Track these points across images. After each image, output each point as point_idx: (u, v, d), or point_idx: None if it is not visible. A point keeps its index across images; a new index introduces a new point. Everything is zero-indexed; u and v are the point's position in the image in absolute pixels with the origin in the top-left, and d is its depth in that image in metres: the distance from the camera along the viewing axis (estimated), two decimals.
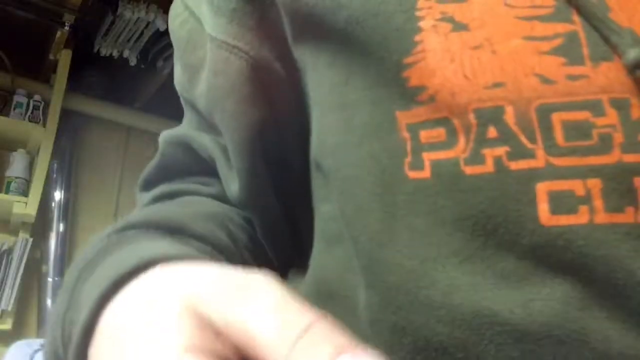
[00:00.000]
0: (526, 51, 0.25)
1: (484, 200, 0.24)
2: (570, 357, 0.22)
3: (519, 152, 0.24)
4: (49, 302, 2.03)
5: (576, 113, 0.23)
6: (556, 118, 0.24)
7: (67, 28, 2.01)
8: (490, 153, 0.24)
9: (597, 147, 0.23)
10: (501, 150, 0.24)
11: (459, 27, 0.26)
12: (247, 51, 0.35)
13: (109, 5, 1.91)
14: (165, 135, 0.44)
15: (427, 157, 0.26)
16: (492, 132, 0.24)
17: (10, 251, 1.92)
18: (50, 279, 2.05)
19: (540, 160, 0.23)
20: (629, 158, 0.23)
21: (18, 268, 1.89)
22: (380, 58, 0.28)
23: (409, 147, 0.27)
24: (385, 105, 0.28)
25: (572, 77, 0.24)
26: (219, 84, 0.36)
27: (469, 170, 0.25)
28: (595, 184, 0.23)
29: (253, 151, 0.36)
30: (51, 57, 2.15)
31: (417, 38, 0.27)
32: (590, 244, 0.23)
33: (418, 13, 0.27)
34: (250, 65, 0.35)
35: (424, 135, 0.26)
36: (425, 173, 0.26)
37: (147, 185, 0.44)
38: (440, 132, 0.26)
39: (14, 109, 2.07)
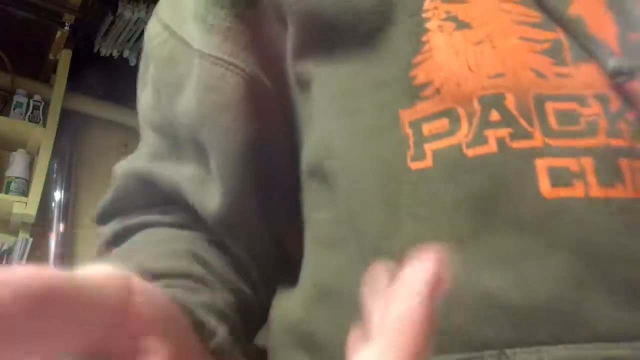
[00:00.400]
0: (522, 49, 0.28)
1: (485, 179, 0.26)
2: (565, 335, 0.23)
3: (519, 133, 0.26)
4: None
5: (565, 103, 0.27)
6: (549, 106, 0.27)
7: (67, 28, 2.01)
8: (493, 134, 0.27)
9: (586, 131, 0.26)
10: (504, 132, 0.26)
11: (462, 25, 0.29)
12: (243, 68, 0.36)
13: (109, 5, 1.92)
14: (122, 168, 0.43)
15: (429, 147, 0.28)
16: (494, 115, 0.27)
17: (10, 251, 1.92)
18: None
19: (538, 140, 0.26)
20: (614, 142, 0.26)
21: None
22: (388, 62, 0.30)
23: (411, 142, 0.29)
24: (389, 107, 0.30)
25: (559, 75, 0.28)
26: (212, 100, 0.36)
27: (470, 152, 0.27)
28: (587, 161, 0.25)
29: (245, 168, 0.36)
30: (51, 57, 2.15)
31: (424, 38, 0.29)
32: (587, 216, 0.25)
33: (425, 15, 0.30)
34: (246, 82, 0.36)
35: (427, 128, 0.28)
36: (427, 162, 0.28)
37: (104, 219, 0.43)
38: (443, 123, 0.28)
39: (14, 109, 2.07)
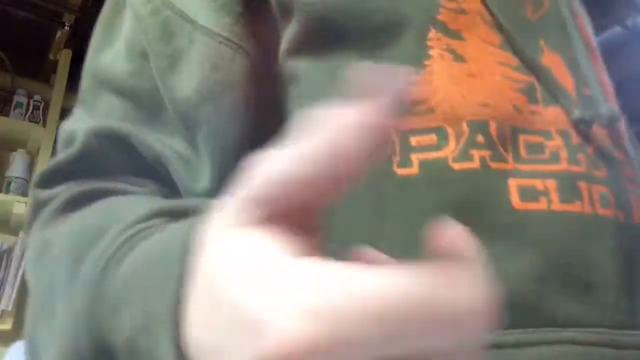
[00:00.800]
0: (504, 86, 0.34)
1: (468, 189, 0.30)
2: (526, 320, 0.28)
3: (497, 156, 0.31)
4: None
5: (534, 137, 0.32)
6: (521, 138, 0.32)
7: (67, 28, 2.01)
8: (477, 153, 0.31)
9: (550, 159, 0.32)
10: (485, 153, 0.31)
11: (459, 58, 0.34)
12: (250, 54, 0.37)
13: None
14: (84, 127, 0.40)
15: (416, 157, 0.32)
16: (479, 138, 0.31)
17: (10, 251, 1.93)
18: None
19: (510, 164, 0.31)
20: (574, 168, 0.32)
21: (18, 268, 1.89)
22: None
23: (397, 149, 0.32)
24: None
25: (532, 112, 0.33)
26: (217, 79, 0.36)
27: (456, 166, 0.31)
28: (551, 182, 0.31)
29: (238, 155, 0.36)
30: (51, 57, 2.16)
31: (427, 62, 0.34)
32: (549, 225, 0.30)
33: (429, 43, 0.34)
34: (252, 67, 0.36)
35: (415, 140, 0.32)
36: (414, 170, 0.31)
37: (51, 181, 0.39)
38: (432, 138, 0.32)
39: (14, 109, 2.07)
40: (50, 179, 0.39)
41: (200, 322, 0.18)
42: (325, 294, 0.14)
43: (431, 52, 0.34)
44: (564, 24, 0.39)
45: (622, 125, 0.38)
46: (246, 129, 0.37)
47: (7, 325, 1.86)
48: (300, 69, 0.36)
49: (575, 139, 0.33)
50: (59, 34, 2.05)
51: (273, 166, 0.17)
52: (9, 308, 1.85)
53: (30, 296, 0.33)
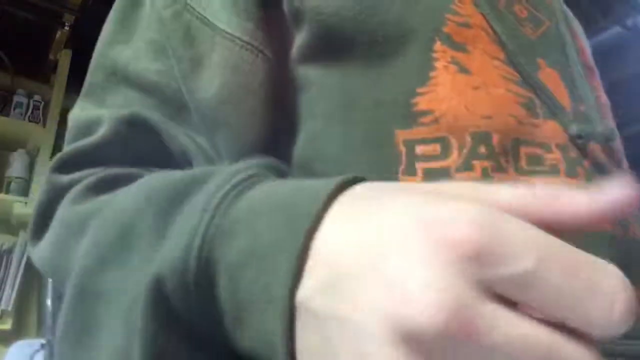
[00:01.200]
0: (508, 99, 0.35)
1: None
2: None
3: (498, 167, 0.32)
4: (48, 302, 2.03)
5: (534, 149, 0.34)
6: (522, 150, 0.34)
7: (67, 28, 2.01)
8: (479, 164, 0.32)
9: (549, 171, 0.33)
10: (487, 164, 0.32)
11: (464, 70, 0.35)
12: (270, 59, 0.38)
13: (109, 5, 1.91)
14: (118, 113, 0.40)
15: (420, 166, 0.33)
16: (482, 149, 0.32)
17: (10, 251, 1.93)
18: (50, 279, 2.05)
19: (511, 175, 0.32)
20: (572, 180, 0.33)
21: (18, 268, 1.89)
22: (393, 85, 0.35)
23: (403, 158, 0.33)
24: (385, 124, 0.34)
25: (532, 125, 0.35)
26: (239, 82, 0.37)
27: (459, 175, 0.32)
28: None
29: (260, 151, 0.37)
30: (51, 57, 2.16)
31: (432, 74, 0.35)
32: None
33: (434, 55, 0.35)
34: (272, 72, 0.37)
35: (420, 149, 0.33)
36: (417, 178, 0.32)
37: (73, 166, 0.39)
38: (435, 147, 0.33)
39: (14, 109, 2.07)
40: (72, 164, 0.39)
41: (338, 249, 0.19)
42: None
43: (436, 63, 0.35)
44: (562, 42, 0.40)
45: (618, 142, 0.39)
46: (264, 131, 0.37)
47: (7, 325, 1.86)
48: (310, 75, 0.38)
49: (572, 152, 0.35)
50: (59, 34, 2.05)
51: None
52: (9, 308, 1.85)
53: (71, 254, 0.32)
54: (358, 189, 0.21)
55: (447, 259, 0.16)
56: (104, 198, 0.34)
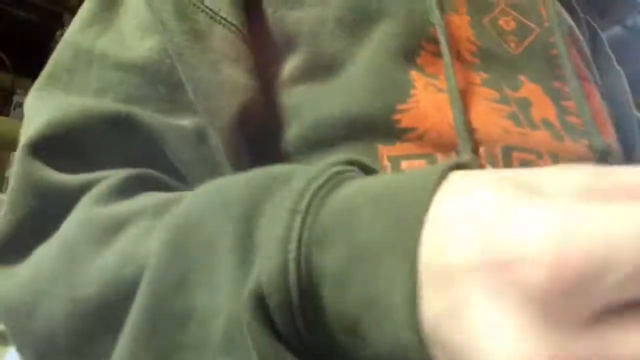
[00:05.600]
0: (492, 112, 0.35)
1: None
2: None
3: None
4: None
5: (527, 155, 0.34)
6: (515, 156, 0.33)
7: (67, 28, 2.01)
8: None
9: None
10: None
11: (442, 91, 0.35)
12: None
13: None
14: (92, 105, 0.35)
15: None
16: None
17: None
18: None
19: None
20: None
21: None
22: (375, 103, 0.34)
23: (388, 172, 0.33)
24: (367, 141, 0.34)
25: (520, 134, 0.35)
26: (239, 74, 0.36)
27: None
28: None
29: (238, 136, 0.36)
30: None
31: (412, 92, 0.35)
32: None
33: (412, 77, 0.35)
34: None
35: (405, 164, 0.33)
36: None
37: (62, 153, 0.34)
38: (421, 163, 0.33)
39: (14, 109, 2.07)
40: (56, 154, 0.34)
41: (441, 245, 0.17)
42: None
43: (415, 83, 0.35)
44: (550, 54, 0.40)
45: (616, 156, 0.39)
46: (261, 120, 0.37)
47: None
48: (298, 94, 0.37)
49: (562, 161, 0.35)
50: (59, 34, 2.05)
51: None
52: None
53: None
54: (455, 185, 0.18)
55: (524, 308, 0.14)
56: (141, 201, 0.30)
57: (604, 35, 0.54)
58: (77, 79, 0.38)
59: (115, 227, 0.28)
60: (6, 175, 2.02)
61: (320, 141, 0.35)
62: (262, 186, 0.23)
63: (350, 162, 0.23)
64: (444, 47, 0.36)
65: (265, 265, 0.20)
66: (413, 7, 0.37)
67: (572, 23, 0.46)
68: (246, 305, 0.20)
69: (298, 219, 0.20)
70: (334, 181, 0.21)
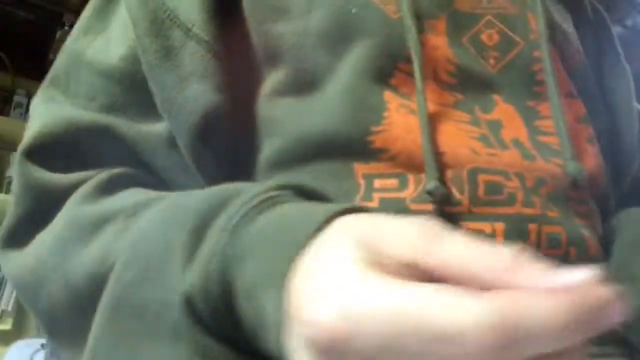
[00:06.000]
0: (460, 134, 0.36)
1: None
2: None
3: (451, 201, 0.33)
4: None
5: (494, 176, 0.34)
6: (481, 178, 0.34)
7: (67, 28, 2.01)
8: (433, 199, 0.33)
9: (506, 200, 0.34)
10: (440, 199, 0.33)
11: (414, 112, 0.36)
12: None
13: None
14: (75, 116, 0.39)
15: (377, 196, 0.34)
16: (436, 185, 0.33)
17: None
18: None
19: (465, 207, 0.33)
20: (527, 210, 0.34)
21: None
22: (351, 124, 0.36)
23: (362, 189, 0.34)
24: (344, 158, 0.35)
25: (489, 154, 0.35)
26: (204, 88, 0.37)
27: (413, 206, 0.33)
28: (499, 226, 0.33)
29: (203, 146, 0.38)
30: (51, 57, 2.15)
31: (385, 114, 0.36)
32: None
33: (385, 98, 0.36)
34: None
35: (378, 182, 0.34)
36: (374, 204, 0.34)
37: (51, 158, 0.39)
38: (393, 182, 0.34)
39: (14, 109, 2.07)
40: (45, 154, 0.39)
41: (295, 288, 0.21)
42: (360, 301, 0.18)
43: (388, 105, 0.36)
44: (531, 70, 0.40)
45: (593, 181, 0.39)
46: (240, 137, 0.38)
47: (7, 326, 1.86)
48: (282, 109, 0.38)
49: (529, 181, 0.35)
50: (59, 34, 2.05)
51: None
52: (9, 308, 1.86)
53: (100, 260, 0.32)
54: (326, 237, 0.22)
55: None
56: (118, 201, 0.35)
57: (613, 28, 0.52)
58: (72, 84, 0.42)
59: (96, 225, 0.33)
60: (6, 175, 2.02)
61: (299, 156, 0.36)
62: (215, 204, 0.28)
63: (286, 187, 0.28)
64: (416, 72, 0.36)
65: (194, 273, 0.25)
66: (391, 28, 0.37)
67: (567, 29, 0.45)
68: (180, 304, 0.25)
69: (224, 236, 0.25)
70: (259, 208, 0.26)
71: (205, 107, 0.36)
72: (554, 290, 0.17)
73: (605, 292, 0.17)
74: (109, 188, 0.37)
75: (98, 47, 0.42)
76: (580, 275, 0.17)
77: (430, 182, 0.33)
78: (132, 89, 0.39)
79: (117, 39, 0.41)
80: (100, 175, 0.38)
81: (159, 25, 0.38)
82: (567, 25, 0.45)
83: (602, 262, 0.38)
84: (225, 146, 0.38)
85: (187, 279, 0.26)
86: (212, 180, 0.37)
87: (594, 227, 0.38)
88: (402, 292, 0.17)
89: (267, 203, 0.26)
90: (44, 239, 0.36)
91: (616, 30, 0.56)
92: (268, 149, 0.38)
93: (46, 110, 0.42)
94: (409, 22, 0.37)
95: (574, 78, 0.43)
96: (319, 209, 0.24)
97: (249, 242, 0.24)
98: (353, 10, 0.38)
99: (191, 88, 0.37)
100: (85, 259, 0.32)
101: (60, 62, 0.44)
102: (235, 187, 0.29)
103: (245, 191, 0.27)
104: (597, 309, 0.17)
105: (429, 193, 0.33)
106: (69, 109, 0.41)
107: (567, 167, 0.37)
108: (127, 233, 0.31)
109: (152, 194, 0.35)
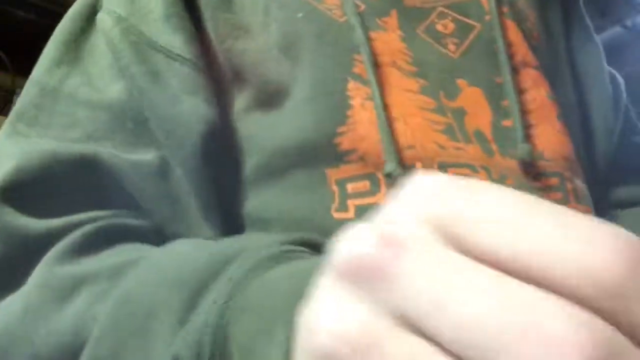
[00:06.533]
0: (426, 127, 0.36)
1: None
2: None
3: None
4: None
5: (462, 169, 0.35)
6: (451, 172, 0.34)
7: None
8: None
9: None
10: None
11: (379, 107, 0.35)
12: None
13: None
14: (56, 150, 0.37)
15: (352, 202, 0.33)
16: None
17: None
18: None
19: None
20: None
21: None
22: (318, 129, 0.36)
23: (336, 196, 0.34)
24: (316, 166, 0.35)
25: (455, 148, 0.35)
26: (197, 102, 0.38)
27: None
28: None
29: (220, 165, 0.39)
30: None
31: (349, 113, 0.36)
32: None
33: (349, 93, 0.36)
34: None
35: (351, 186, 0.34)
36: (350, 214, 0.33)
37: (31, 200, 0.36)
38: (365, 184, 0.34)
39: None
40: (26, 198, 0.36)
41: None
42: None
43: (352, 102, 0.36)
44: (493, 49, 0.40)
45: (552, 162, 0.39)
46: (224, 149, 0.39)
47: None
48: (254, 125, 0.39)
49: (495, 173, 0.36)
50: None
51: None
52: None
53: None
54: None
55: None
56: (95, 263, 0.32)
57: (582, 5, 0.52)
58: (43, 116, 0.40)
59: (72, 288, 0.30)
60: None
61: (275, 170, 0.37)
62: (211, 270, 0.26)
63: (293, 242, 0.27)
64: (369, 73, 0.36)
65: (187, 336, 0.24)
66: (339, 29, 0.38)
67: (523, 6, 0.45)
68: None
69: (217, 307, 0.24)
70: (258, 271, 0.24)
71: (202, 120, 0.37)
72: None
73: None
74: (90, 245, 0.34)
75: (77, 82, 0.41)
76: None
77: (389, 165, 0.33)
78: (122, 120, 0.39)
79: (101, 74, 0.40)
80: (82, 230, 0.34)
81: (143, 54, 0.38)
82: (524, 2, 0.45)
83: None
84: (221, 161, 0.39)
85: (175, 345, 0.24)
86: (205, 209, 0.37)
87: None
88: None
89: (259, 272, 0.25)
90: (12, 304, 0.33)
91: (616, 30, 0.56)
92: (248, 167, 0.38)
93: (17, 147, 0.39)
94: (354, 21, 0.37)
95: (536, 54, 0.43)
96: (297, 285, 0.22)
97: (246, 311, 0.23)
98: (299, 15, 0.38)
99: (184, 103, 0.37)
100: (57, 328, 0.30)
101: (28, 96, 0.42)
102: (225, 253, 0.27)
103: (238, 258, 0.26)
104: None
105: (388, 175, 0.33)
106: (42, 143, 0.38)
107: (517, 151, 0.37)
108: (109, 299, 0.28)
109: (133, 253, 0.32)
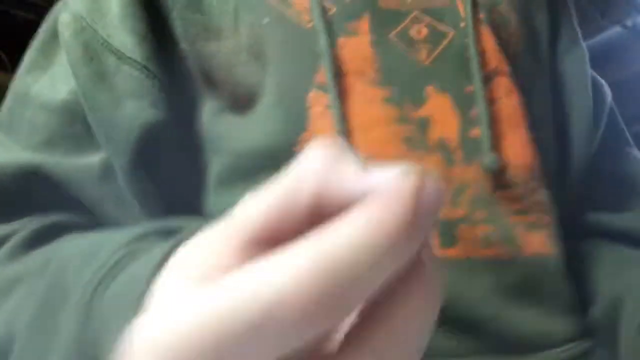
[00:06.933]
0: (386, 137, 0.36)
1: None
2: None
3: None
4: None
5: None
6: None
7: None
8: None
9: None
10: None
11: (340, 115, 0.36)
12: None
13: None
14: (3, 161, 0.40)
15: None
16: None
17: None
18: None
19: None
20: (454, 213, 0.35)
21: None
22: (281, 135, 0.36)
23: None
24: (281, 170, 0.33)
25: (415, 158, 0.36)
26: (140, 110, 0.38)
27: None
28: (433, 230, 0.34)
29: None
30: None
31: (308, 121, 0.36)
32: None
33: (310, 101, 0.37)
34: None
35: None
36: None
37: None
38: None
39: None
40: None
41: None
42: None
43: (312, 110, 0.36)
44: (466, 57, 0.39)
45: (517, 172, 0.39)
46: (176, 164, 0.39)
47: None
48: (226, 124, 0.39)
49: (452, 184, 0.36)
50: None
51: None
52: None
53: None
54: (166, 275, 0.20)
55: None
56: (32, 259, 0.34)
57: (613, 27, 0.51)
58: (15, 123, 0.42)
59: (8, 288, 0.32)
60: None
61: (244, 171, 0.37)
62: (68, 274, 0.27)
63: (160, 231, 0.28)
64: (329, 82, 0.36)
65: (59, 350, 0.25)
66: (303, 37, 0.38)
67: (503, 10, 0.44)
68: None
69: (81, 312, 0.25)
70: (108, 279, 0.25)
71: (143, 125, 0.37)
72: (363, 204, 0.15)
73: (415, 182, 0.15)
74: (30, 244, 0.36)
75: (43, 84, 0.42)
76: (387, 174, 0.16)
77: None
78: (72, 122, 0.40)
79: (60, 75, 0.41)
80: (26, 229, 0.37)
81: (92, 53, 0.38)
82: (505, 6, 0.44)
83: (548, 259, 0.37)
84: (166, 167, 0.38)
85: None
86: (151, 210, 0.37)
87: (539, 223, 0.38)
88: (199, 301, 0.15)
89: (115, 270, 0.25)
90: None
91: (616, 30, 0.55)
92: (216, 165, 0.38)
93: None
94: (319, 27, 0.37)
95: (514, 60, 0.42)
96: (143, 271, 0.22)
97: (110, 307, 0.24)
98: (264, 21, 0.38)
99: (127, 106, 0.37)
100: None
101: (6, 103, 0.44)
102: (98, 243, 0.28)
103: (100, 253, 0.27)
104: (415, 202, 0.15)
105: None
106: (11, 153, 0.40)
107: (483, 160, 0.37)
108: (36, 292, 0.30)
109: (65, 252, 0.33)
